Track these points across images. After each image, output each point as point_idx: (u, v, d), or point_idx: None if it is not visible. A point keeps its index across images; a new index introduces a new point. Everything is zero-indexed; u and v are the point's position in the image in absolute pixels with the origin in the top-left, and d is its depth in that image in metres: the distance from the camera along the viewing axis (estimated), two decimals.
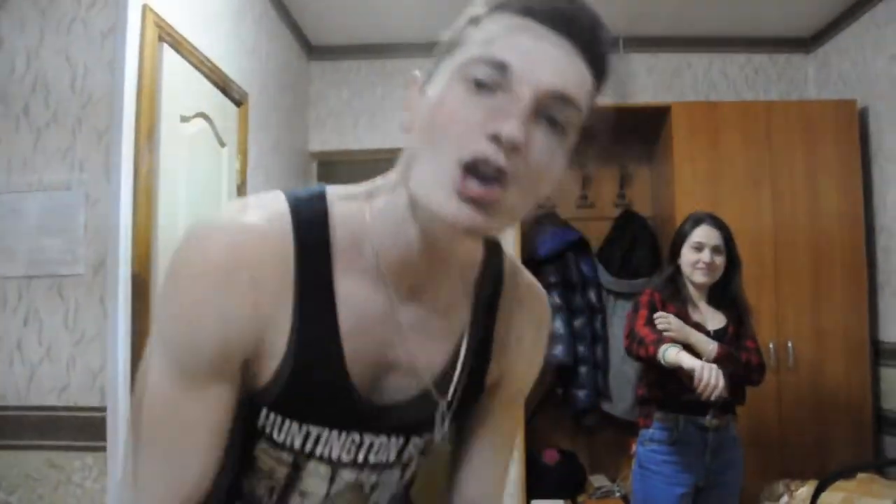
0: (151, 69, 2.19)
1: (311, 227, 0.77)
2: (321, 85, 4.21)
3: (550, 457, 3.74)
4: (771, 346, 3.35)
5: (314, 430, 0.81)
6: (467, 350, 0.86)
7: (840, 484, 2.65)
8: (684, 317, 2.41)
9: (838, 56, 3.85)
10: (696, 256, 2.47)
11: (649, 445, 2.46)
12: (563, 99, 0.68)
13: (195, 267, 0.73)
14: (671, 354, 2.23)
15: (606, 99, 0.77)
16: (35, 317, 2.06)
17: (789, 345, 3.42)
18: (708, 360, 2.23)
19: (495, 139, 0.65)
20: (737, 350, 2.39)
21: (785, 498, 2.92)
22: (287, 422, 0.80)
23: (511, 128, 0.65)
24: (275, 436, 0.81)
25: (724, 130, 3.55)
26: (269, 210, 0.76)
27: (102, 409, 2.03)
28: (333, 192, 0.81)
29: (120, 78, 2.08)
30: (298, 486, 0.85)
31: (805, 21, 3.92)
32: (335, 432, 0.82)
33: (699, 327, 2.41)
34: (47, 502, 2.01)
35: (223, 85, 2.80)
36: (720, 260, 2.48)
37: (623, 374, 3.72)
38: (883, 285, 3.45)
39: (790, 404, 3.41)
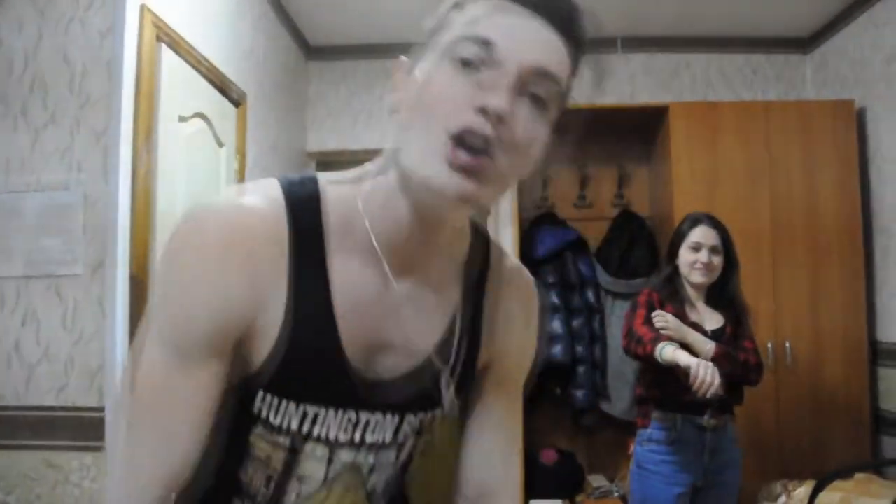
0: (149, 69, 2.19)
1: (304, 208, 0.79)
2: (319, 85, 4.21)
3: (549, 457, 3.74)
4: (769, 346, 3.36)
5: (311, 410, 0.82)
6: (461, 325, 0.88)
7: (838, 484, 2.65)
8: (682, 317, 2.41)
9: (836, 56, 3.85)
10: (694, 257, 2.47)
11: (647, 445, 2.46)
12: (544, 75, 0.72)
13: (192, 245, 0.75)
14: (668, 352, 2.23)
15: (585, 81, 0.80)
16: (33, 317, 2.06)
17: (787, 345, 3.42)
18: (705, 360, 2.23)
19: (483, 111, 0.69)
20: (734, 350, 2.39)
21: (783, 498, 2.92)
22: (284, 402, 0.81)
23: (498, 100, 0.69)
24: (271, 419, 0.82)
25: (723, 130, 3.56)
26: (264, 194, 0.79)
27: (101, 410, 2.03)
28: (324, 177, 0.84)
29: (118, 78, 2.08)
30: (296, 471, 0.86)
31: (803, 21, 3.92)
32: (332, 411, 0.83)
33: (697, 327, 2.41)
34: (45, 502, 2.01)
35: (221, 85, 2.80)
36: (718, 260, 2.48)
37: (621, 374, 3.72)
38: (881, 285, 3.46)
39: (788, 404, 3.41)
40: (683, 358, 2.20)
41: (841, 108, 3.54)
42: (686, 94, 4.10)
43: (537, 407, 3.81)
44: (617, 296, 3.84)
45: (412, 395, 0.86)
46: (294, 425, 0.83)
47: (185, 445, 0.76)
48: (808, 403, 3.41)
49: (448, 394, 0.88)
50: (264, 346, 0.78)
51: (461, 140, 0.69)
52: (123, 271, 2.07)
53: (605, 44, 4.05)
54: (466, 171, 0.70)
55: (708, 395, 2.15)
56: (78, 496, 2.01)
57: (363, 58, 4.13)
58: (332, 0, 3.63)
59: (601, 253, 3.96)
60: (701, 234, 2.48)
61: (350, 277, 0.81)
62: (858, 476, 2.77)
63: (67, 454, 2.02)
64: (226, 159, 2.89)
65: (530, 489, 3.56)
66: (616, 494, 3.62)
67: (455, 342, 0.88)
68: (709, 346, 2.33)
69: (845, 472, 2.74)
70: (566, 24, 0.73)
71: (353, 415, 0.84)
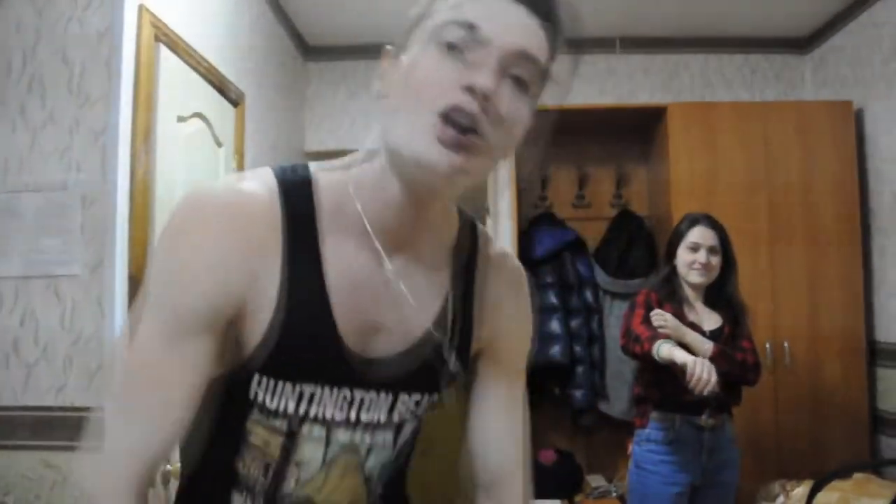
0: (148, 69, 2.19)
1: (297, 193, 0.83)
2: (318, 85, 4.21)
3: (547, 457, 3.74)
4: (767, 346, 3.36)
5: (307, 389, 0.83)
6: (454, 303, 0.91)
7: (836, 484, 2.65)
8: (680, 317, 2.41)
9: (835, 57, 3.86)
10: (692, 257, 2.48)
11: (646, 445, 2.46)
12: (526, 57, 0.76)
13: (190, 223, 0.79)
14: (665, 350, 2.23)
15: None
16: (32, 317, 2.05)
17: (785, 345, 3.42)
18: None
19: (469, 90, 0.73)
20: (732, 350, 2.40)
21: (781, 498, 2.92)
22: (280, 384, 0.83)
23: (484, 78, 0.73)
24: (268, 402, 0.83)
25: (721, 131, 3.56)
26: (259, 179, 0.83)
27: (100, 410, 2.03)
28: (315, 165, 0.87)
29: (116, 78, 2.08)
30: (294, 456, 0.87)
31: (802, 21, 3.92)
32: (327, 389, 0.84)
33: (695, 327, 2.42)
34: (44, 502, 2.01)
35: (220, 85, 2.80)
36: (716, 260, 2.48)
37: (620, 375, 3.73)
38: (879, 285, 3.46)
39: (786, 404, 3.41)
40: (680, 356, 2.21)
41: (839, 109, 3.54)
42: (685, 94, 4.11)
43: (536, 407, 3.78)
44: (615, 296, 3.84)
45: (406, 374, 0.88)
46: (290, 407, 0.84)
47: (169, 420, 0.77)
48: (807, 403, 3.42)
49: (447, 366, 0.90)
50: (259, 326, 0.80)
51: (449, 118, 0.73)
52: (122, 271, 2.07)
53: (604, 44, 4.06)
54: (455, 147, 0.73)
55: (705, 393, 2.15)
56: (77, 497, 2.01)
57: (362, 58, 4.13)
58: (330, 0, 3.63)
59: (600, 253, 3.96)
60: (699, 235, 2.49)
61: (343, 258, 0.83)
62: (857, 476, 2.78)
63: (66, 454, 2.02)
64: (224, 159, 2.89)
65: None
66: (614, 494, 3.62)
67: (448, 322, 0.89)
68: (707, 346, 2.33)
69: (843, 472, 2.74)
70: (545, 10, 0.78)
71: (347, 392, 0.85)
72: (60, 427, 2.02)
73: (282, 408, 0.84)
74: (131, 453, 0.77)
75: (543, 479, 3.64)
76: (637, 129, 3.91)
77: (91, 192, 2.07)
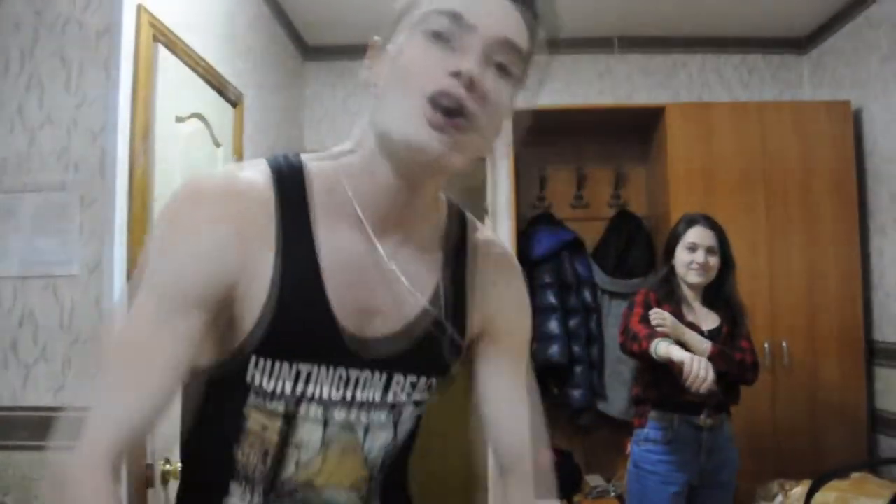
0: (146, 69, 2.19)
1: (289, 180, 0.87)
2: (316, 85, 4.20)
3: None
4: (766, 345, 3.36)
5: (304, 369, 0.85)
6: (445, 287, 0.93)
7: (834, 483, 2.66)
8: (679, 317, 2.42)
9: (833, 57, 3.86)
10: (690, 257, 2.48)
11: (644, 445, 2.47)
12: (508, 45, 0.80)
13: (187, 204, 0.82)
14: (662, 348, 2.24)
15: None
16: (30, 317, 2.05)
17: (784, 344, 3.42)
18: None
19: (455, 75, 0.77)
20: (731, 350, 2.40)
21: (779, 497, 2.92)
22: (277, 364, 0.84)
23: (469, 64, 0.77)
24: (265, 385, 0.85)
25: (719, 131, 3.56)
26: (254, 168, 0.87)
27: None
28: (305, 155, 0.91)
29: (115, 78, 2.08)
30: (293, 438, 0.88)
31: (800, 21, 3.92)
32: (324, 368, 0.86)
33: (693, 327, 2.42)
34: (42, 503, 2.01)
35: (219, 85, 2.80)
36: (714, 260, 2.49)
37: (618, 374, 3.73)
38: (877, 285, 3.46)
39: (785, 404, 3.41)
40: (677, 353, 2.21)
41: (837, 109, 3.54)
42: (683, 94, 4.11)
43: None
44: (614, 296, 3.85)
45: (400, 354, 0.90)
46: (288, 387, 0.85)
47: (151, 390, 0.78)
48: (805, 403, 3.42)
49: (443, 348, 0.92)
50: (254, 307, 0.82)
51: (437, 102, 0.77)
52: (121, 271, 2.07)
53: (602, 44, 4.06)
54: (444, 129, 0.77)
55: (701, 391, 2.16)
56: None
57: (361, 58, 4.10)
58: (329, 0, 3.63)
59: (598, 253, 3.96)
60: (697, 235, 2.49)
61: (336, 241, 0.86)
62: (855, 475, 2.78)
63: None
64: (223, 160, 2.89)
65: None
66: (613, 494, 3.62)
67: (441, 303, 0.92)
68: (705, 345, 2.34)
69: (842, 472, 2.74)
70: (525, 2, 0.82)
71: (343, 371, 0.87)
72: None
73: (279, 389, 0.85)
74: (110, 420, 0.77)
75: None
76: (635, 130, 3.91)
77: (90, 193, 2.07)
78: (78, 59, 2.09)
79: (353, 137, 0.90)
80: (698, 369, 2.14)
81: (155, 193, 2.23)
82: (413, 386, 0.92)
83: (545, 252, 3.75)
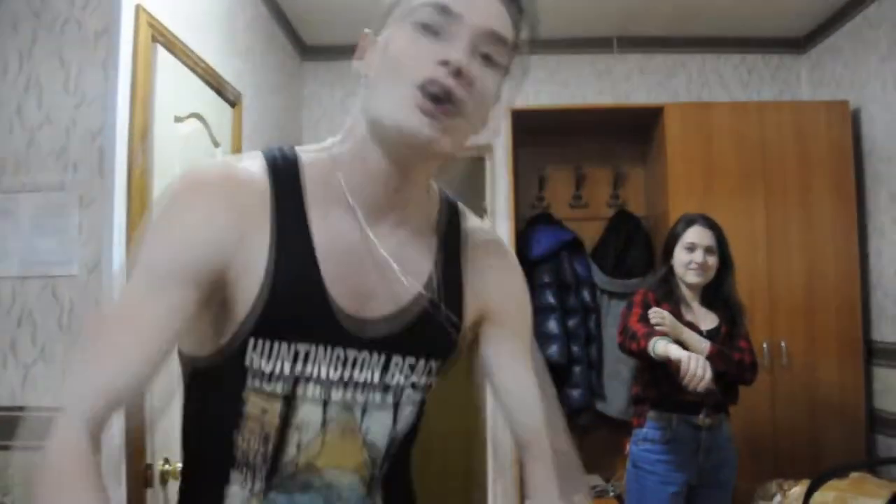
0: (145, 70, 2.19)
1: (284, 169, 0.90)
2: (315, 85, 4.20)
3: None
4: (764, 345, 3.36)
5: (302, 349, 0.87)
6: (438, 271, 0.95)
7: (833, 483, 2.66)
8: (677, 316, 2.42)
9: (832, 57, 3.86)
10: (689, 257, 2.48)
11: (643, 445, 2.47)
12: (494, 36, 0.84)
13: (185, 188, 0.86)
14: (660, 346, 2.24)
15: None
16: (29, 318, 2.05)
17: (783, 344, 3.43)
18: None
19: (444, 64, 0.80)
20: (730, 349, 2.40)
21: (778, 497, 2.93)
22: (276, 344, 0.86)
23: (457, 53, 0.81)
24: (264, 366, 0.86)
25: (718, 131, 3.57)
26: (250, 159, 0.91)
27: None
28: (300, 147, 0.95)
29: (113, 78, 2.08)
30: (293, 419, 0.89)
31: (798, 22, 3.93)
32: (322, 348, 0.88)
33: (692, 327, 2.42)
34: None
35: (217, 85, 2.80)
36: (713, 260, 2.49)
37: (617, 374, 3.73)
38: (876, 285, 3.47)
39: (784, 404, 3.42)
40: (675, 352, 2.21)
41: (836, 109, 3.55)
42: (681, 94, 4.11)
43: None
44: (613, 296, 3.85)
45: (397, 335, 0.92)
46: (287, 368, 0.87)
47: (137, 358, 0.79)
48: (804, 403, 3.42)
49: (440, 329, 0.94)
50: (250, 290, 0.84)
51: (426, 90, 0.80)
52: (120, 272, 2.07)
53: (601, 44, 4.07)
54: (434, 115, 0.80)
55: (699, 389, 2.16)
56: None
57: None
58: (327, 0, 3.63)
59: (597, 253, 3.96)
60: (696, 235, 2.49)
61: (330, 227, 0.89)
62: (853, 475, 2.78)
63: None
64: None
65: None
66: (612, 494, 3.62)
67: (435, 285, 0.94)
68: (704, 345, 2.34)
69: (840, 472, 2.75)
70: None
71: (340, 352, 0.89)
72: None
73: (278, 370, 0.86)
74: (88, 386, 0.77)
75: None
76: (634, 130, 3.91)
77: (88, 193, 2.07)
78: (76, 60, 2.09)
79: (344, 129, 0.93)
80: (696, 367, 2.14)
81: (154, 193, 2.23)
82: (412, 368, 0.93)
83: (544, 252, 3.75)
